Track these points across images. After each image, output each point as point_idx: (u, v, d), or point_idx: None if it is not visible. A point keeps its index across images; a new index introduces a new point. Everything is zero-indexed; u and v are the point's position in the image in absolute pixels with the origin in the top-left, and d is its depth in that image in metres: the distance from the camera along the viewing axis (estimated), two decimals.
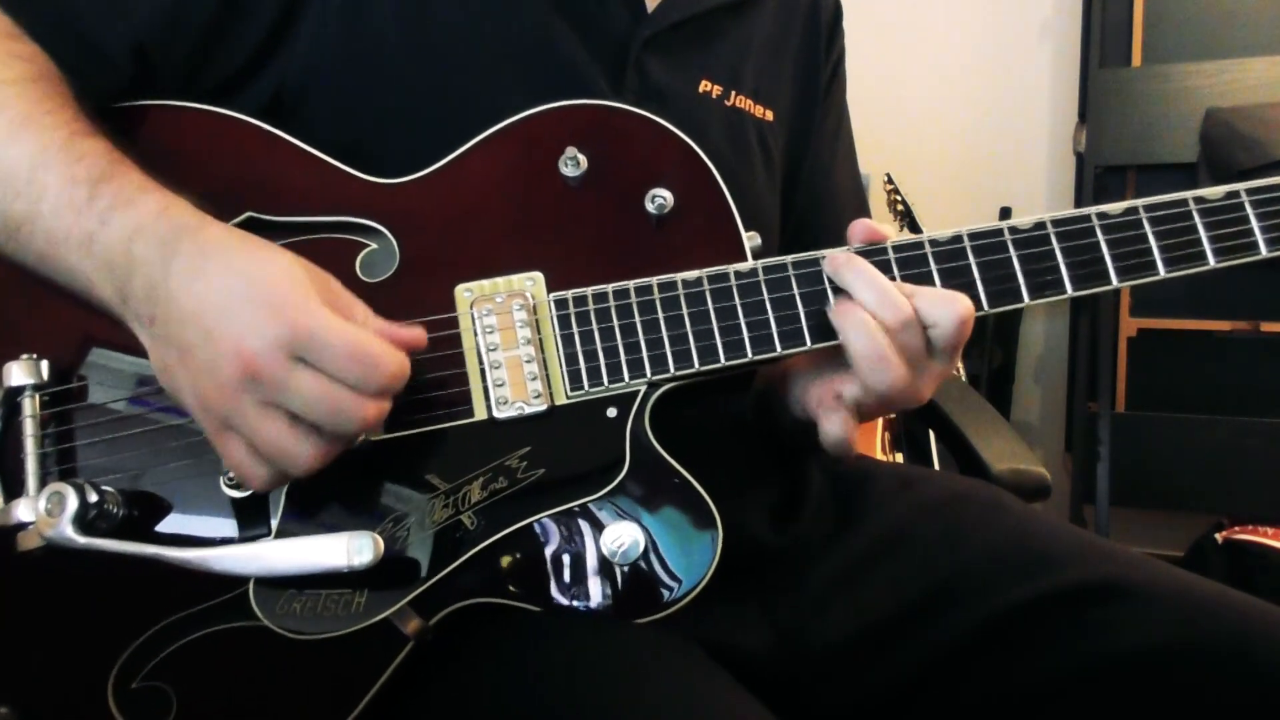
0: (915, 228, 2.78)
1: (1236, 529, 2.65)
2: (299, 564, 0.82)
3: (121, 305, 0.81)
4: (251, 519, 0.86)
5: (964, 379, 2.70)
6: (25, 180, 0.83)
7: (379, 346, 0.77)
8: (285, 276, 0.78)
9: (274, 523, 0.86)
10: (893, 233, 0.90)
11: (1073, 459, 3.03)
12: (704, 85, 1.10)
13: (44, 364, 0.88)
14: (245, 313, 0.75)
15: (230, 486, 0.85)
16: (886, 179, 2.87)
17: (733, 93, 1.11)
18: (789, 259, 0.90)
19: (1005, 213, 3.22)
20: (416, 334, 0.83)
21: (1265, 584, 2.48)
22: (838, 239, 0.92)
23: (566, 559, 0.86)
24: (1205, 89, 2.82)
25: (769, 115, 1.15)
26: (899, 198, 2.84)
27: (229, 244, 0.80)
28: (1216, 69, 2.82)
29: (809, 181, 1.23)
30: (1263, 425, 2.76)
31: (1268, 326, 2.82)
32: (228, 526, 0.87)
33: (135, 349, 0.84)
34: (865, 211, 1.35)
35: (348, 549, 0.81)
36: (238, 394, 0.76)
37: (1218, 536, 2.65)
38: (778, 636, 0.99)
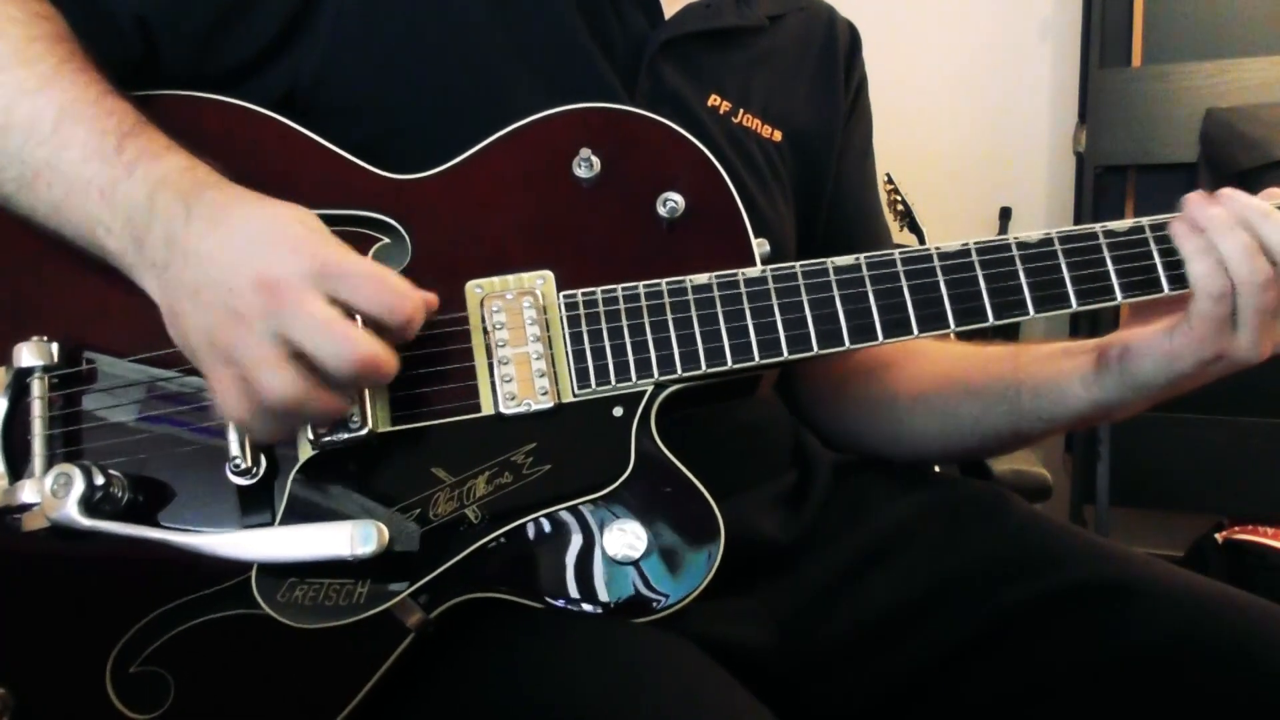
0: (915, 228, 2.78)
1: (1236, 529, 2.64)
2: (303, 552, 0.82)
3: (135, 253, 0.82)
4: (256, 506, 0.86)
5: None
6: (50, 130, 0.84)
7: (403, 281, 0.80)
8: (306, 223, 0.81)
9: (278, 511, 0.86)
10: None
11: (1073, 459, 3.03)
12: (713, 100, 1.11)
13: (54, 346, 0.88)
14: (268, 249, 0.78)
15: (236, 474, 0.86)
16: (886, 179, 2.87)
17: (740, 110, 1.12)
18: (798, 265, 0.91)
19: (1005, 213, 3.21)
20: (430, 295, 0.84)
21: (1265, 584, 2.46)
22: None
23: (568, 556, 0.86)
24: (1205, 89, 2.82)
25: (776, 136, 1.16)
26: (899, 198, 2.83)
27: (250, 197, 0.83)
28: (1216, 69, 2.82)
29: (840, 203, 1.25)
30: (1263, 425, 2.76)
31: None
32: (232, 513, 0.87)
33: (147, 331, 0.84)
34: (886, 232, 1.37)
35: (351, 538, 0.81)
36: (251, 321, 0.76)
37: (1218, 536, 2.64)
38: (780, 634, 1.00)
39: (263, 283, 0.76)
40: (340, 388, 0.79)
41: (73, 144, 0.84)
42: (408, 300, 0.79)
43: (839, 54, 1.26)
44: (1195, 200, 0.92)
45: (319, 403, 0.78)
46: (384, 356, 0.77)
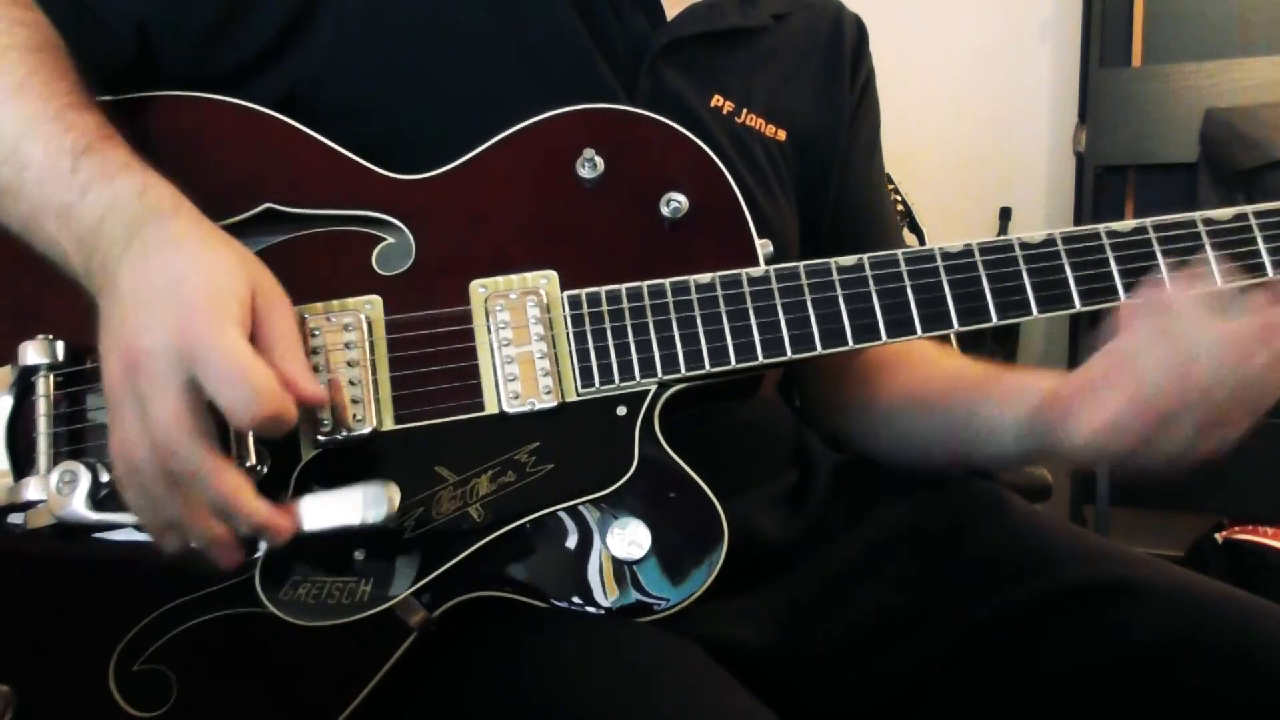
0: (915, 228, 2.77)
1: (1236, 529, 2.64)
2: (314, 521, 0.81)
3: (86, 278, 0.81)
4: None
5: None
6: (11, 148, 0.84)
7: (266, 380, 0.74)
8: (215, 287, 0.76)
9: None
10: None
11: None
12: (715, 100, 1.10)
13: (59, 344, 0.88)
14: (157, 311, 0.75)
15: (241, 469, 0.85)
16: (886, 178, 2.87)
17: (744, 110, 1.12)
18: (801, 265, 0.91)
19: (1005, 213, 3.21)
20: (317, 393, 0.80)
21: (1265, 584, 2.47)
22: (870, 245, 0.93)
23: (571, 555, 0.87)
24: (1205, 89, 2.82)
25: (780, 135, 1.15)
26: (899, 198, 2.82)
27: (187, 240, 0.79)
28: (1216, 69, 2.82)
29: (846, 199, 1.23)
30: (1263, 425, 2.73)
31: None
32: None
33: None
34: (894, 230, 1.35)
35: (363, 502, 0.81)
36: (122, 382, 0.75)
37: (1218, 536, 2.64)
38: (781, 634, 1.00)
39: (130, 347, 0.75)
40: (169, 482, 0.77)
41: (30, 163, 0.83)
42: (263, 401, 0.73)
43: (845, 49, 1.24)
44: (1125, 317, 0.87)
45: (154, 488, 0.77)
46: (205, 472, 0.75)
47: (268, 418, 0.73)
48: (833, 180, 1.22)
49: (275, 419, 0.74)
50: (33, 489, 0.84)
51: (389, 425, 0.87)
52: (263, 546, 0.84)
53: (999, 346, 3.06)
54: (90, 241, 0.80)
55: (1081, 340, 3.03)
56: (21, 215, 0.84)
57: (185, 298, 0.75)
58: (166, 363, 0.73)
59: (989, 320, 0.90)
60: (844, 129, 1.23)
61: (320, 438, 0.85)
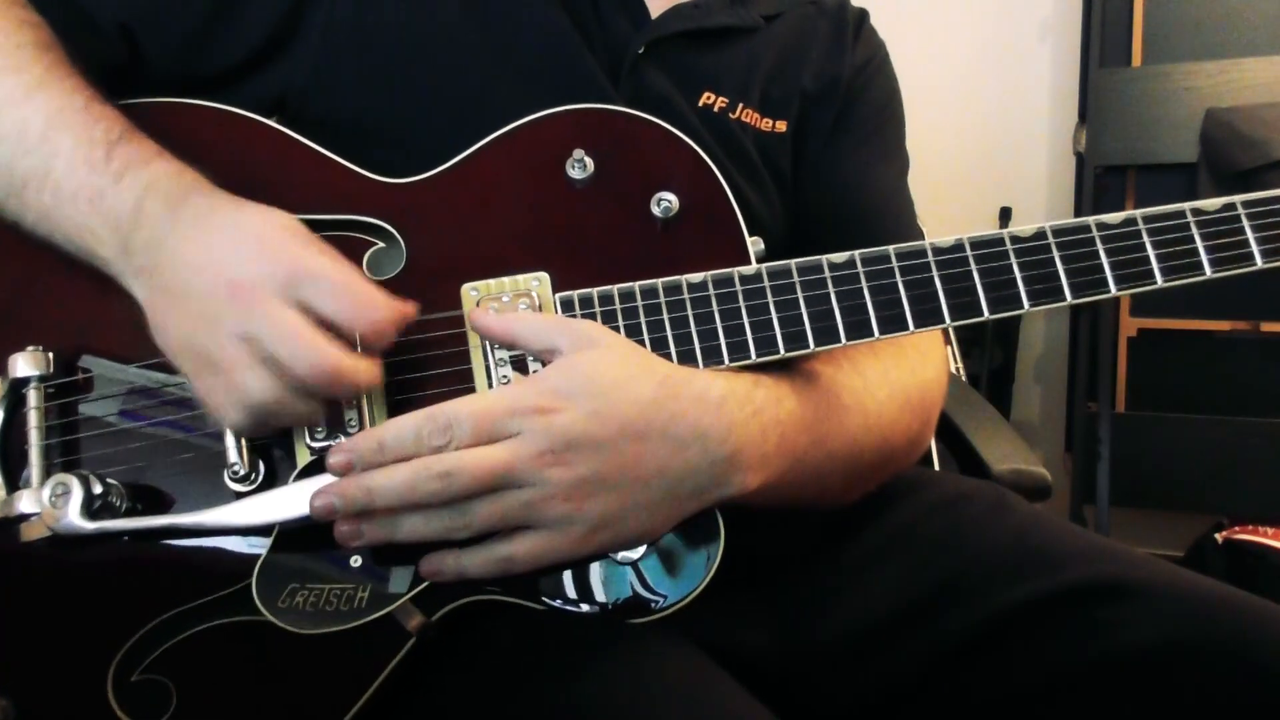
0: None
1: (1236, 529, 2.64)
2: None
3: (121, 259, 0.83)
4: None
5: (964, 379, 2.70)
6: (38, 138, 0.85)
7: (374, 290, 0.81)
8: (286, 227, 0.82)
9: None
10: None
11: (1073, 459, 3.03)
12: (706, 97, 1.10)
13: (49, 356, 0.88)
14: (243, 254, 0.79)
15: (234, 480, 0.86)
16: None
17: (739, 105, 1.11)
18: (793, 263, 0.90)
19: (1005, 213, 3.21)
20: (407, 304, 0.84)
21: (1265, 584, 2.47)
22: (867, 240, 0.92)
23: None
24: (1205, 89, 2.81)
25: (781, 126, 1.14)
26: None
27: (234, 202, 0.84)
28: (1216, 69, 2.81)
29: (822, 180, 1.18)
30: (1263, 425, 2.76)
31: (1268, 326, 2.81)
32: None
33: (142, 339, 0.84)
34: (905, 219, 1.30)
35: None
36: (221, 323, 0.77)
37: (1218, 536, 2.64)
38: (780, 635, 0.99)
39: (232, 287, 0.77)
40: (310, 395, 0.80)
41: (60, 152, 0.85)
42: (376, 308, 0.80)
43: (847, 35, 1.22)
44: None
45: (292, 407, 0.80)
46: (349, 366, 0.78)
47: (386, 321, 0.80)
48: (823, 160, 1.18)
49: (392, 324, 0.81)
50: (26, 502, 0.85)
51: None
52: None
53: (998, 346, 3.06)
54: (130, 221, 0.82)
55: (1080, 341, 3.03)
56: (43, 205, 0.85)
57: (268, 235, 0.80)
58: (273, 287, 0.77)
59: (981, 314, 0.89)
60: (831, 112, 1.19)
61: (315, 444, 0.85)
